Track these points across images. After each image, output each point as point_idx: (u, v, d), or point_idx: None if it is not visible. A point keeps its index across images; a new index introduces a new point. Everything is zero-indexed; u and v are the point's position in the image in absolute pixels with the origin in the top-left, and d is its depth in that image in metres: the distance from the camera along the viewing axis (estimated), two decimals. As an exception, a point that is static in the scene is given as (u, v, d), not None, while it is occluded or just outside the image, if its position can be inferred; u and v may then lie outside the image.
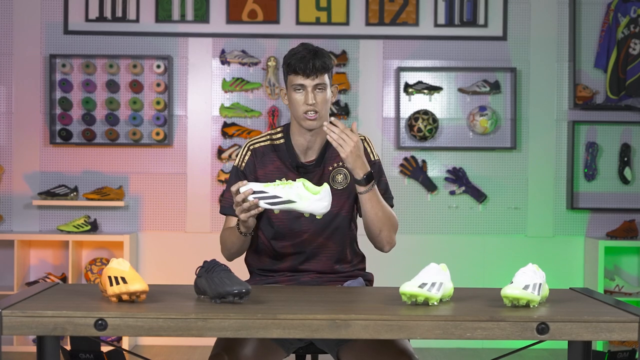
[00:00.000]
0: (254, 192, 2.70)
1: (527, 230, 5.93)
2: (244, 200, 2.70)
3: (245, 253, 3.09)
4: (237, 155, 3.07)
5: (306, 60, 2.87)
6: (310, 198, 2.69)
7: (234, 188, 2.72)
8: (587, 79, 5.93)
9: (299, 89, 2.90)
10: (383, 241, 2.97)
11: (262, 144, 3.03)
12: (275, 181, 2.74)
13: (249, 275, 3.12)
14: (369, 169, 2.86)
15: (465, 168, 5.91)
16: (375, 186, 2.90)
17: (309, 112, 2.89)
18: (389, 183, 3.13)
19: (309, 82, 2.89)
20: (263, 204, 2.69)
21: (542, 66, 5.92)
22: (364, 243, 3.10)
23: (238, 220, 2.84)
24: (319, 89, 2.90)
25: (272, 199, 2.69)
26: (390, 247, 2.99)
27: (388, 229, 2.95)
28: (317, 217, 2.75)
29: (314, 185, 2.71)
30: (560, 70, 5.92)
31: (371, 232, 2.97)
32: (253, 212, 2.71)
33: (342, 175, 2.99)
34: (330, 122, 2.81)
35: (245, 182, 2.72)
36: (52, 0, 5.82)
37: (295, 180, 2.73)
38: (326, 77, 2.92)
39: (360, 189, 2.88)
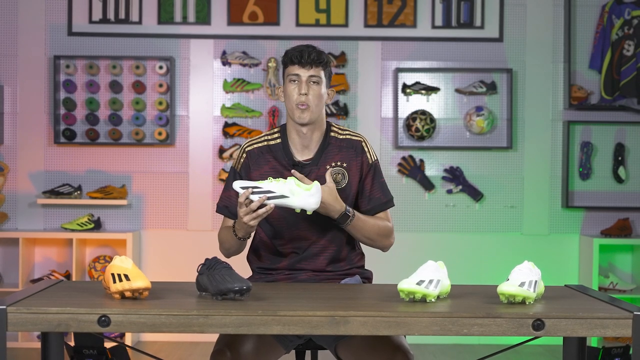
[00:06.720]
0: (248, 188, 2.75)
1: (523, 228, 5.98)
2: (248, 200, 2.76)
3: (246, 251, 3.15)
4: (235, 156, 3.13)
5: (303, 51, 2.95)
6: (302, 194, 2.76)
7: (241, 198, 2.76)
8: (582, 79, 5.98)
9: (294, 80, 2.97)
10: (377, 248, 3.07)
11: (258, 145, 3.08)
12: (268, 179, 2.81)
13: (249, 273, 3.16)
14: (342, 209, 2.89)
15: (462, 167, 5.96)
16: (356, 214, 2.94)
17: (301, 104, 2.95)
18: (388, 183, 3.18)
19: (303, 73, 2.95)
20: (255, 198, 2.75)
21: (538, 67, 5.96)
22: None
23: (234, 225, 2.90)
24: (313, 81, 2.95)
25: (266, 194, 2.75)
26: (387, 249, 3.09)
27: (379, 239, 3.03)
28: (307, 212, 2.81)
29: (303, 184, 2.80)
30: (556, 71, 5.97)
31: (364, 244, 3.08)
32: (262, 213, 2.76)
33: (340, 175, 3.01)
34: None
35: (242, 186, 2.77)
36: (56, 2, 5.87)
37: (287, 178, 2.81)
38: (322, 72, 2.97)
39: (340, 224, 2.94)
